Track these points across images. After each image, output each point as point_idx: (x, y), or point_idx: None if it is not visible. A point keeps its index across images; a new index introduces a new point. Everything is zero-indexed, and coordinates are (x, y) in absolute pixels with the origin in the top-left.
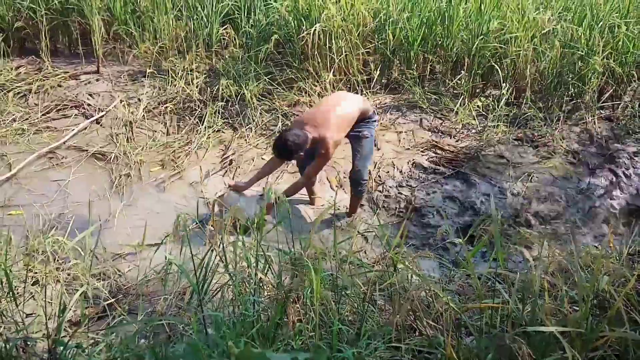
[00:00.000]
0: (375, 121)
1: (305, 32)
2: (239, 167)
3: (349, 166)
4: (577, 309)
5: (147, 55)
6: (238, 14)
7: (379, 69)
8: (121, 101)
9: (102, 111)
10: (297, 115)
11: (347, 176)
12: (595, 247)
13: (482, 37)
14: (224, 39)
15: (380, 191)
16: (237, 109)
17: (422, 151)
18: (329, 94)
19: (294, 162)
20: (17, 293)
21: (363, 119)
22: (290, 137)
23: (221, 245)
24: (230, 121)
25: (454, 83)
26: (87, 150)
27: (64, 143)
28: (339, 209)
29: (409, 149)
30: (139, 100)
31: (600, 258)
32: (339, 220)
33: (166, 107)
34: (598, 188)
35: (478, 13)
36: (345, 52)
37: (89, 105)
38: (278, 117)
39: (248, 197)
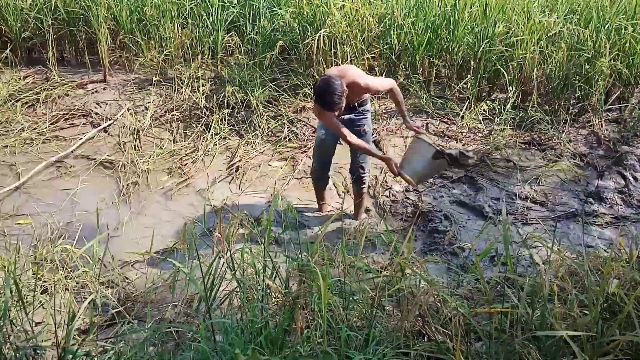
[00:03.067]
0: (369, 111)
1: (310, 38)
2: (246, 173)
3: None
4: (587, 313)
5: (153, 63)
6: (243, 21)
7: (384, 74)
8: (128, 109)
9: (109, 120)
10: (304, 121)
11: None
12: (605, 251)
13: (487, 40)
14: (229, 46)
15: (387, 196)
16: (243, 116)
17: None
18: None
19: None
20: (27, 302)
21: (361, 103)
22: (332, 80)
23: (228, 252)
24: (236, 128)
25: (459, 87)
26: (95, 159)
27: (72, 152)
28: (345, 215)
29: None
30: (146, 108)
31: (610, 261)
32: (346, 225)
33: (173, 115)
34: (606, 191)
35: (483, 16)
36: (350, 57)
37: (96, 114)
38: (284, 123)
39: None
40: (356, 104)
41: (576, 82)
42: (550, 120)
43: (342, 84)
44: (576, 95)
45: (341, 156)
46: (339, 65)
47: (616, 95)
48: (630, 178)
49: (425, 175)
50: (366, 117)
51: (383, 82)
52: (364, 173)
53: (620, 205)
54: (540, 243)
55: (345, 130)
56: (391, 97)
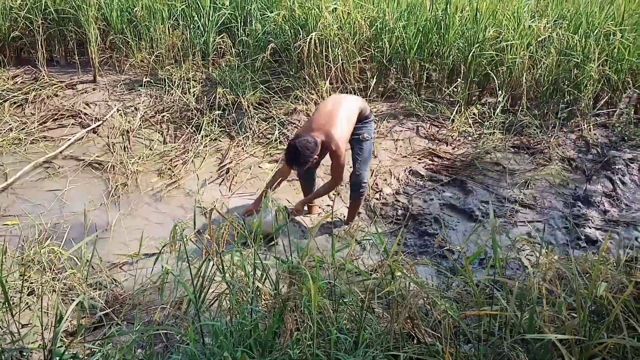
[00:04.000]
0: (372, 121)
1: (301, 41)
2: (236, 175)
3: (346, 173)
4: (576, 315)
5: (144, 64)
6: (234, 23)
7: (375, 77)
8: (118, 110)
9: (98, 120)
10: (295, 123)
11: (347, 182)
12: (593, 254)
13: (478, 45)
14: (220, 47)
15: (377, 199)
16: (234, 118)
17: (419, 159)
18: (325, 99)
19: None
20: (13, 303)
21: (361, 118)
22: (301, 144)
23: (218, 254)
24: (227, 130)
25: (450, 91)
26: (83, 160)
27: (61, 153)
28: (336, 217)
29: (405, 156)
30: (136, 109)
31: (597, 265)
32: (336, 228)
33: (163, 116)
34: (595, 195)
35: (474, 21)
36: (341, 60)
37: (85, 114)
38: (275, 125)
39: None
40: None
41: (565, 86)
42: (539, 124)
43: (310, 142)
44: (565, 99)
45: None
46: (326, 99)
47: (605, 100)
48: (618, 182)
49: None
50: (367, 127)
51: (340, 170)
52: (363, 182)
53: (609, 209)
54: (529, 246)
55: (333, 169)
56: (331, 169)
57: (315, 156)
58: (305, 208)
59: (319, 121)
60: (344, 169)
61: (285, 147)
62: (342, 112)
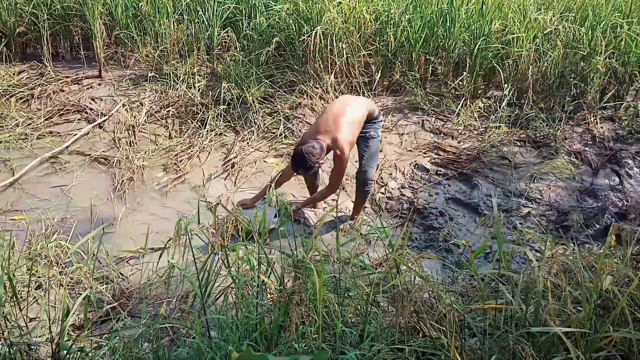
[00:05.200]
0: (381, 121)
1: (306, 35)
2: (241, 170)
3: (352, 169)
4: (581, 309)
5: (149, 59)
6: (239, 17)
7: (380, 71)
8: (123, 105)
9: (104, 115)
10: (300, 118)
11: (354, 177)
12: (599, 247)
13: (483, 38)
14: (225, 42)
15: (382, 193)
16: (239, 112)
17: (424, 153)
18: (332, 98)
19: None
20: (21, 297)
21: (369, 120)
22: (307, 150)
23: (223, 249)
24: (232, 124)
25: (455, 84)
26: (89, 155)
27: (67, 148)
28: (341, 212)
29: (411, 150)
30: (141, 104)
31: (603, 258)
32: (341, 222)
33: (168, 111)
34: (601, 188)
35: (479, 14)
36: (346, 54)
37: (91, 109)
38: (280, 119)
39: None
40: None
41: (571, 79)
42: (545, 117)
43: (315, 148)
44: (571, 92)
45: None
46: (334, 101)
47: (611, 93)
48: (625, 175)
49: None
50: (374, 127)
51: (338, 176)
52: (369, 179)
53: (615, 202)
54: (535, 240)
55: (334, 173)
56: (332, 171)
57: (321, 161)
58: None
59: (326, 124)
60: (342, 176)
61: (290, 143)
62: (349, 114)
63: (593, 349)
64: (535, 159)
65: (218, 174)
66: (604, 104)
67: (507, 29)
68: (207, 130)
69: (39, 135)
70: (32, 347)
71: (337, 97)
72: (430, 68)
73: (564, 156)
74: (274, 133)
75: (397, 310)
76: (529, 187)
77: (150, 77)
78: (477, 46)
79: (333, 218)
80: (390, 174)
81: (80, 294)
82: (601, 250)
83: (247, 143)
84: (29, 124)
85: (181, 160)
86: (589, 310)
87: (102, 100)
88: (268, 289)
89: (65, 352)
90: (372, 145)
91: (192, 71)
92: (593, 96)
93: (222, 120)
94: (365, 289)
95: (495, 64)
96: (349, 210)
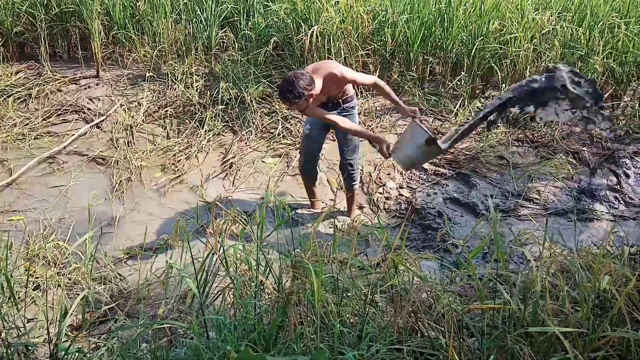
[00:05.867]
0: (355, 107)
1: (304, 34)
2: (240, 170)
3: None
4: (579, 309)
5: (147, 59)
6: (237, 17)
7: (378, 71)
8: (121, 105)
9: (102, 115)
10: (298, 118)
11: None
12: (596, 247)
13: (481, 37)
14: (223, 42)
15: (380, 193)
16: (237, 112)
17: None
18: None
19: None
20: (19, 298)
21: (345, 99)
22: (295, 75)
23: (222, 249)
24: (230, 124)
25: (453, 84)
26: (87, 155)
27: (65, 148)
28: (338, 209)
29: None
30: (139, 104)
31: (601, 258)
32: (339, 221)
33: (166, 111)
34: (599, 188)
35: (477, 14)
36: (344, 54)
37: (89, 109)
38: (278, 120)
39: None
40: (340, 100)
41: None
42: None
43: (305, 74)
44: None
45: (335, 152)
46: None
47: (609, 92)
48: (623, 175)
49: (415, 161)
50: (352, 114)
51: (362, 76)
52: (353, 170)
53: (612, 202)
54: (533, 240)
55: (334, 117)
56: (379, 92)
57: (311, 92)
58: (308, 203)
59: (316, 68)
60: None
61: (288, 143)
62: (338, 66)
63: (591, 348)
64: (533, 159)
65: (216, 174)
66: (602, 104)
67: (505, 29)
68: (205, 130)
69: (37, 135)
70: (30, 347)
71: None
72: (428, 68)
73: (562, 156)
74: (272, 133)
75: (395, 310)
76: (527, 187)
77: (148, 77)
78: (475, 46)
79: (331, 217)
80: (389, 174)
81: (78, 295)
82: (599, 250)
83: (245, 143)
84: (26, 124)
85: (179, 161)
86: (587, 310)
87: (99, 100)
88: (266, 290)
89: (63, 352)
90: (353, 138)
91: (190, 71)
92: None
93: (220, 120)
94: (364, 289)
95: (493, 64)
96: (345, 208)
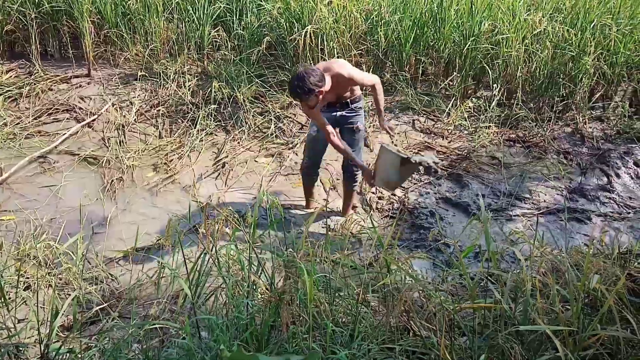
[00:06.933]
0: (362, 108)
1: (297, 34)
2: (232, 169)
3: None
4: (569, 308)
5: (139, 58)
6: (230, 16)
7: (371, 71)
8: (113, 104)
9: (93, 115)
10: (291, 117)
11: (340, 176)
12: (586, 246)
13: (473, 38)
14: (215, 41)
15: (373, 192)
16: (230, 112)
17: (414, 152)
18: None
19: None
20: (9, 298)
21: (353, 100)
22: (307, 71)
23: (214, 249)
24: (222, 124)
25: (445, 84)
26: (79, 155)
27: (56, 147)
28: (330, 209)
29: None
30: (131, 103)
31: (590, 257)
32: (332, 221)
33: (158, 110)
34: (589, 188)
35: (469, 14)
36: (337, 53)
37: (80, 109)
38: (271, 119)
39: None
40: (348, 100)
41: (560, 80)
42: (534, 117)
43: (316, 71)
44: (560, 93)
45: (329, 152)
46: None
47: (600, 93)
48: (613, 175)
49: (399, 181)
50: (359, 114)
51: (368, 76)
52: (357, 171)
53: (603, 201)
54: (524, 239)
55: (330, 129)
56: (372, 92)
57: (321, 89)
58: (303, 203)
59: (327, 67)
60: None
61: (281, 143)
62: (340, 64)
63: (581, 347)
64: (524, 159)
65: (209, 173)
66: (593, 104)
67: (496, 30)
68: (198, 130)
69: (28, 134)
70: (21, 348)
71: None
72: (421, 68)
73: (553, 156)
74: (264, 132)
75: (388, 309)
76: (518, 187)
77: (140, 76)
78: (467, 46)
79: (324, 216)
80: None
81: (70, 295)
82: (588, 249)
83: (238, 142)
84: (17, 124)
85: (171, 160)
86: (577, 309)
87: (91, 99)
88: (258, 289)
89: (54, 353)
90: (358, 140)
91: (183, 70)
92: (582, 96)
93: (212, 119)
94: (356, 288)
95: (485, 64)
96: (338, 209)
